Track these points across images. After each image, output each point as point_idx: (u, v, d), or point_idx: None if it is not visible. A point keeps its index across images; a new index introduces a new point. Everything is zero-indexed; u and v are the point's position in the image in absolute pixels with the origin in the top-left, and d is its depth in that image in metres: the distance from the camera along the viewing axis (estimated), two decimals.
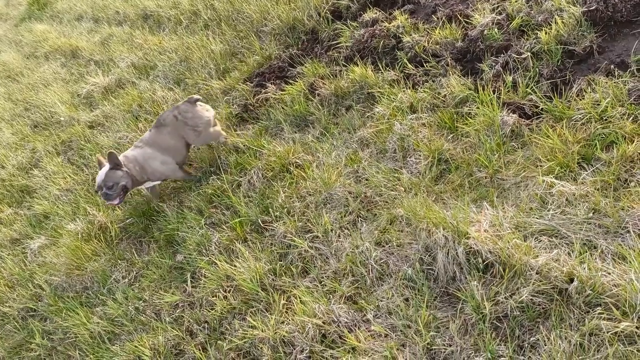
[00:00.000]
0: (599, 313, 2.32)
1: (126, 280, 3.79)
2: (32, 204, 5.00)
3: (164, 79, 5.81)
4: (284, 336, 2.87)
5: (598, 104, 3.07)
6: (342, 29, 4.83)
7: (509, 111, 3.37)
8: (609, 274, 2.40)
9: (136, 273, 3.82)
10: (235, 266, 3.35)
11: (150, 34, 6.98)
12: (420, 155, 3.45)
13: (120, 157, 3.96)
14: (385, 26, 4.50)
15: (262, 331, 2.94)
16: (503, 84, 3.53)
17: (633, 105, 2.98)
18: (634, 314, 2.25)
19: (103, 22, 8.26)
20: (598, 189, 2.77)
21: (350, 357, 2.65)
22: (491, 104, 3.42)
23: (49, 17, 9.91)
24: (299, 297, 3.02)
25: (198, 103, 4.26)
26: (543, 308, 2.46)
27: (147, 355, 3.17)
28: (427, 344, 2.57)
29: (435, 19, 4.34)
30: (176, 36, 6.53)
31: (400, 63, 4.19)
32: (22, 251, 4.56)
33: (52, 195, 4.97)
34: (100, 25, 8.24)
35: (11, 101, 7.36)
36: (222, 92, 5.07)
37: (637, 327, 2.23)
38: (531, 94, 3.40)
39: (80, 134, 5.68)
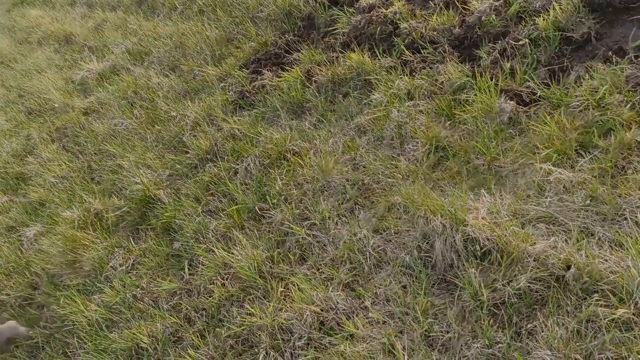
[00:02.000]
0: (596, 300, 2.33)
1: (123, 267, 3.79)
2: (28, 191, 4.97)
3: (159, 65, 5.76)
4: (282, 323, 2.88)
5: (596, 91, 3.06)
6: (338, 14, 4.80)
7: (507, 98, 3.35)
8: (606, 261, 2.41)
9: (133, 261, 3.81)
10: (232, 254, 3.35)
11: (145, 20, 6.92)
12: (417, 143, 3.44)
13: None
14: (382, 12, 4.47)
15: (260, 318, 2.95)
16: (501, 70, 3.52)
17: (631, 92, 2.97)
18: (631, 301, 2.26)
19: (97, 7, 8.17)
20: (595, 176, 2.77)
21: (349, 344, 2.67)
22: (489, 90, 3.41)
23: (41, 2, 9.79)
24: (297, 285, 3.02)
25: None
26: (540, 295, 2.48)
27: (145, 343, 3.18)
28: (425, 330, 2.59)
29: (433, 5, 4.30)
30: (171, 22, 6.47)
31: (397, 50, 4.16)
32: (18, 239, 4.55)
33: (47, 182, 4.95)
34: (93, 10, 8.15)
35: (4, 88, 7.30)
36: (218, 78, 5.03)
37: (634, 314, 2.25)
38: (529, 81, 3.39)
39: (75, 121, 5.64)
